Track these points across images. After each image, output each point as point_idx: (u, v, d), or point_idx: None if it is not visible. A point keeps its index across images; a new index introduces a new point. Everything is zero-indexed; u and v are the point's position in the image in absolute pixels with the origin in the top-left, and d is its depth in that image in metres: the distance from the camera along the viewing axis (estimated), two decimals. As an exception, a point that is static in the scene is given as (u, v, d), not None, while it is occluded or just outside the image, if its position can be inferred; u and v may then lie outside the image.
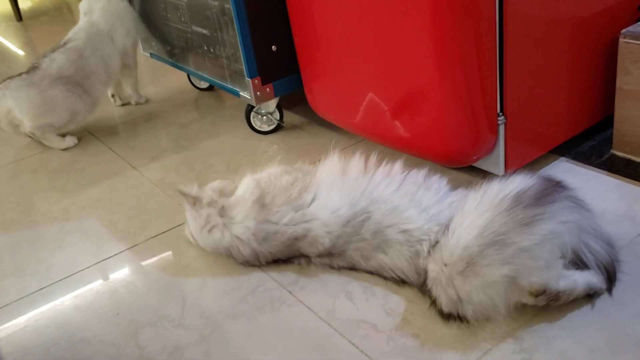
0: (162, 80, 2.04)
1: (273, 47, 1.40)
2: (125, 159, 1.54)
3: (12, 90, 1.54)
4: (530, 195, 0.84)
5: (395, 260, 0.95)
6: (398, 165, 1.03)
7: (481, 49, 1.04)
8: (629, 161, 1.21)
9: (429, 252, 0.90)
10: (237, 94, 1.48)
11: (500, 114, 1.10)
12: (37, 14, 3.33)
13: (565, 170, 1.22)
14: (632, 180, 1.16)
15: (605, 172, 1.19)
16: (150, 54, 1.87)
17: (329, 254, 1.01)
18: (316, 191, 1.03)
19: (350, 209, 0.98)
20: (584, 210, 0.90)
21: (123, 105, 1.87)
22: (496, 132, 1.12)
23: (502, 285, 0.83)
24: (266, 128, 1.56)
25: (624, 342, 0.82)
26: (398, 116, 1.18)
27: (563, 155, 1.27)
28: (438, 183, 1.00)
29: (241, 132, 1.59)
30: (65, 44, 1.64)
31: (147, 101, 1.88)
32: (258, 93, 1.42)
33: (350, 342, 0.89)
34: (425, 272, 0.90)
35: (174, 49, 1.75)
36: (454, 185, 1.01)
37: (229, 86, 1.51)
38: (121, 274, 1.11)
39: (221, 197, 1.07)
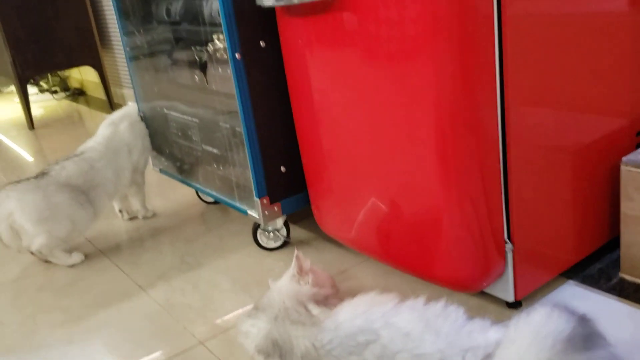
0: (169, 192, 2.07)
1: (282, 167, 1.43)
2: (131, 276, 1.53)
3: (17, 192, 1.56)
4: (575, 341, 0.84)
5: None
6: (420, 298, 1.03)
7: (486, 176, 1.06)
8: (639, 286, 1.20)
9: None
10: (244, 213, 1.50)
11: (507, 240, 1.11)
12: (49, 122, 3.43)
13: (574, 295, 1.21)
14: (644, 307, 1.14)
15: (616, 297, 1.18)
16: (160, 169, 1.91)
17: None
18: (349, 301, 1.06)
19: (365, 324, 0.98)
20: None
21: (130, 219, 1.89)
22: (504, 258, 1.12)
23: None
24: (273, 245, 1.56)
25: None
26: (405, 239, 1.19)
27: (571, 278, 1.26)
28: (456, 312, 0.99)
29: (247, 248, 1.59)
30: (82, 153, 1.68)
31: (154, 215, 1.89)
32: (266, 212, 1.43)
33: None
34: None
35: (183, 166, 1.78)
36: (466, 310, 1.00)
37: (237, 204, 1.53)
38: (124, 406, 1.08)
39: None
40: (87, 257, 1.66)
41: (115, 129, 1.75)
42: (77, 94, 4.12)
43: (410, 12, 0.98)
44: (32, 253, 1.62)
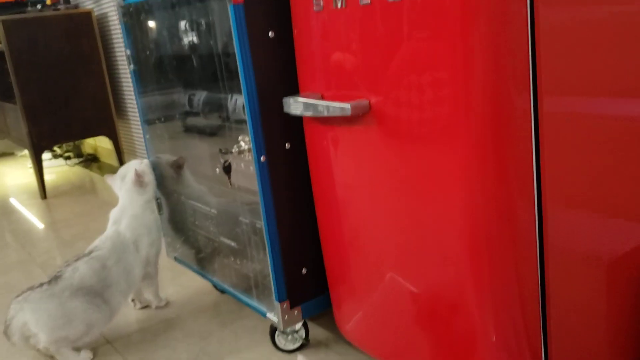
0: (182, 279, 2.02)
1: (303, 269, 1.39)
2: (143, 378, 1.47)
3: (32, 303, 1.51)
4: None
5: None
6: None
7: (524, 290, 1.01)
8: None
9: None
10: (263, 314, 1.44)
11: (546, 366, 1.05)
12: (61, 189, 3.42)
13: (616, 420, 1.13)
14: None
15: None
16: (175, 257, 1.87)
17: None
18: None
19: None
20: None
21: (142, 308, 1.83)
22: (542, 385, 1.06)
23: None
24: (291, 347, 1.50)
25: None
26: (435, 353, 1.13)
27: (610, 399, 1.19)
28: None
29: (263, 347, 1.53)
30: (90, 252, 1.64)
31: (167, 304, 1.84)
32: (286, 317, 1.38)
33: None
34: None
35: (199, 255, 1.74)
36: None
37: (255, 304, 1.48)
38: None
39: None
40: (96, 351, 1.60)
41: (117, 227, 1.71)
42: (90, 160, 4.13)
43: (440, 112, 0.96)
44: (38, 349, 1.56)
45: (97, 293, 1.58)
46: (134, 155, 3.58)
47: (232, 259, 1.57)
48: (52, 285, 1.54)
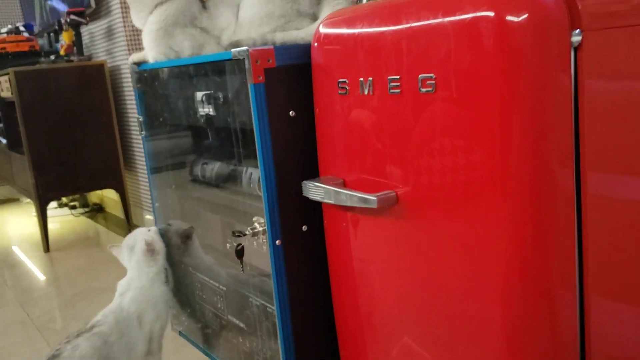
0: (187, 353, 1.92)
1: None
2: None
3: None
4: None
5: None
6: None
7: None
8: None
9: None
10: (272, 406, 1.35)
11: None
12: (65, 241, 3.35)
13: None
14: None
15: None
16: (180, 332, 1.78)
17: None
18: None
19: None
20: None
21: (143, 384, 1.73)
22: None
23: None
24: None
25: None
26: None
27: None
28: None
29: None
30: (92, 327, 1.55)
31: (169, 382, 1.74)
32: (298, 411, 1.28)
33: None
34: None
35: (204, 331, 1.65)
36: None
37: (264, 395, 1.38)
38: None
39: None
40: None
41: (122, 300, 1.63)
42: (96, 210, 4.07)
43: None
44: None
45: (98, 373, 1.49)
46: (141, 207, 3.52)
47: (241, 340, 1.48)
48: (50, 367, 1.45)
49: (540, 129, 0.83)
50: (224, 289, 1.51)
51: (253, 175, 1.37)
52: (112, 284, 1.71)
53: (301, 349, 1.28)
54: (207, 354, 1.65)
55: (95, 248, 3.21)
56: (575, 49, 0.82)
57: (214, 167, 1.57)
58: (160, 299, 1.67)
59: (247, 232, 1.24)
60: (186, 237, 1.68)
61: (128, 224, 3.45)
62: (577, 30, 0.82)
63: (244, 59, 1.15)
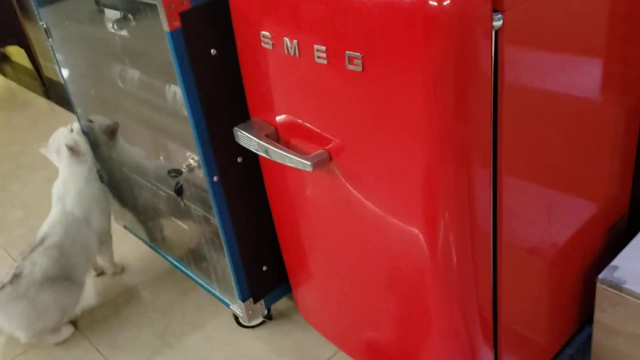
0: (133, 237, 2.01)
1: (264, 267, 1.42)
2: (115, 365, 1.53)
3: (0, 309, 1.51)
4: None
5: None
6: None
7: (478, 273, 1.06)
8: (608, 381, 1.30)
9: None
10: (226, 305, 1.49)
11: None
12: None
13: (550, 392, 1.30)
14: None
15: (588, 398, 1.29)
16: (124, 226, 1.85)
17: None
18: None
19: None
20: None
21: (98, 275, 1.84)
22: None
23: None
24: (254, 323, 1.58)
25: None
26: (388, 344, 1.23)
27: (546, 368, 1.35)
28: None
29: (227, 321, 1.60)
30: (43, 240, 1.59)
31: (122, 270, 1.85)
32: (250, 312, 1.44)
33: None
34: None
35: (148, 226, 1.73)
36: None
37: (218, 295, 1.52)
38: None
39: None
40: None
41: (63, 206, 1.65)
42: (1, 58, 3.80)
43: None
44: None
45: (63, 278, 1.58)
46: (51, 61, 3.31)
47: (187, 241, 1.57)
48: (16, 286, 1.51)
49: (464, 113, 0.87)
50: (164, 194, 1.56)
51: (177, 94, 1.34)
52: (42, 160, 1.72)
53: (249, 262, 1.39)
54: (155, 250, 1.75)
55: (13, 112, 3.09)
56: (497, 33, 0.83)
57: (134, 76, 1.51)
58: (101, 195, 1.71)
59: (183, 170, 1.26)
60: (111, 132, 1.66)
61: (40, 79, 3.28)
62: (499, 15, 0.82)
63: (156, 5, 1.07)
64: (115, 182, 1.76)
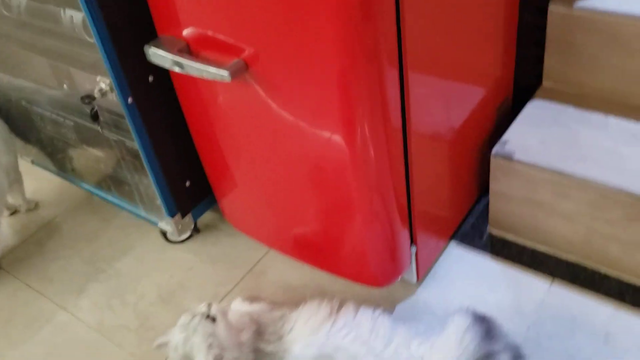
0: (42, 171, 1.96)
1: (187, 182, 1.46)
2: (50, 297, 1.55)
3: None
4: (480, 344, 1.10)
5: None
6: (349, 309, 1.23)
7: (393, 163, 1.16)
8: (505, 242, 1.50)
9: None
10: (154, 224, 1.54)
11: (412, 244, 1.32)
12: None
13: (457, 258, 1.48)
14: (512, 263, 1.45)
15: (490, 255, 1.48)
16: (32, 161, 1.80)
17: None
18: (294, 325, 1.22)
19: (318, 350, 1.17)
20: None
21: (12, 214, 1.81)
22: (410, 255, 1.34)
23: None
24: (183, 237, 1.64)
25: None
26: (312, 239, 1.35)
27: (452, 238, 1.52)
28: (383, 325, 1.21)
29: (156, 241, 1.65)
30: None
31: (36, 205, 1.83)
32: (180, 226, 1.49)
33: None
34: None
35: (58, 158, 1.71)
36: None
37: (144, 215, 1.56)
38: None
39: None
40: (-14, 277, 1.62)
41: None
42: None
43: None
44: None
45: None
46: None
47: (104, 167, 1.58)
48: None
49: None
50: (72, 123, 1.54)
51: (75, 19, 1.30)
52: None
53: (172, 180, 1.43)
54: (69, 181, 1.73)
55: None
56: None
57: (21, 3, 1.43)
58: (2, 131, 1.66)
59: (96, 96, 1.25)
60: None
61: None
62: None
63: None
64: (15, 117, 1.70)
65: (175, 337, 1.16)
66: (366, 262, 1.30)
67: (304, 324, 1.23)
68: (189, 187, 1.48)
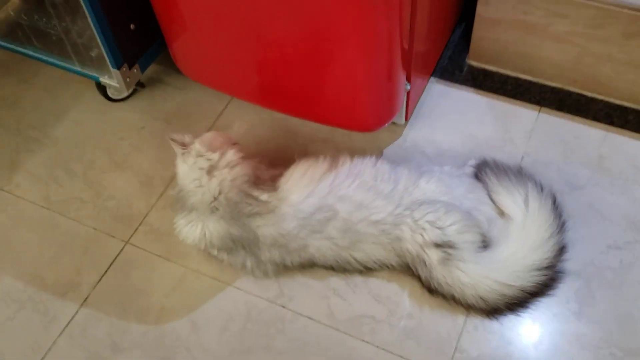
0: None
1: (131, 25, 1.22)
2: (-23, 175, 1.31)
3: None
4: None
5: (370, 253, 1.09)
6: (349, 159, 1.14)
7: None
8: (486, 72, 1.41)
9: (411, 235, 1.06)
10: (96, 79, 1.30)
11: (407, 82, 1.19)
12: None
13: (439, 95, 1.37)
14: (496, 94, 1.37)
15: (472, 89, 1.39)
16: None
17: (284, 247, 1.10)
18: (289, 177, 1.12)
19: (319, 201, 1.07)
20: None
21: None
22: (402, 96, 1.21)
23: None
24: (125, 95, 1.41)
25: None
26: (298, 86, 1.18)
27: (432, 75, 1.41)
28: (384, 169, 1.12)
29: (93, 101, 1.41)
30: None
31: None
32: (128, 79, 1.27)
33: (363, 340, 1.06)
34: (410, 253, 1.06)
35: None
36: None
37: (81, 70, 1.30)
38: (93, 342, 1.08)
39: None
40: None
41: None
42: None
43: None
44: None
45: None
46: None
47: (22, 15, 1.29)
48: None
49: None
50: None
51: None
52: None
53: (115, 21, 1.18)
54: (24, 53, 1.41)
55: None
56: None
57: None
58: None
59: None
60: None
61: None
62: None
63: None
64: None
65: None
66: (359, 104, 1.16)
67: (302, 176, 1.12)
68: (134, 32, 1.24)
